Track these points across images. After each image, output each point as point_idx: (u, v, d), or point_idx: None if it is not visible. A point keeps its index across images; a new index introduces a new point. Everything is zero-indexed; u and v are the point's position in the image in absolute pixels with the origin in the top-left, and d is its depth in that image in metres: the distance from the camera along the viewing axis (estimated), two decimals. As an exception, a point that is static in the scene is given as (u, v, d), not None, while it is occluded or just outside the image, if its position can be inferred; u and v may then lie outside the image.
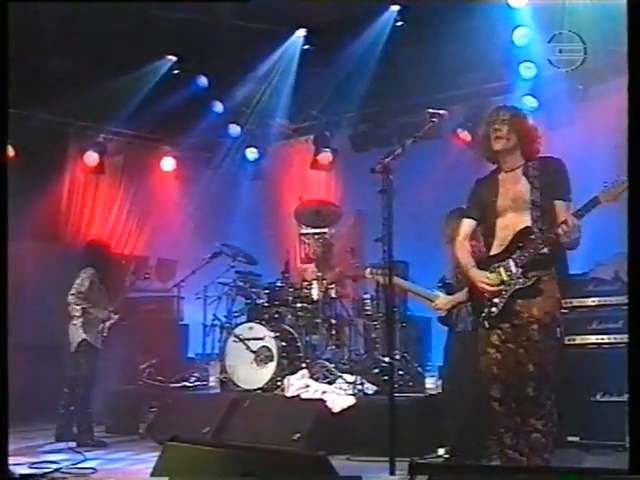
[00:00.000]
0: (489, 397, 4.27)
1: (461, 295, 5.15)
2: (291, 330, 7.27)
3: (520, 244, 4.19)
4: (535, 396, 4.12)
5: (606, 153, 6.55)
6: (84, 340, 6.76)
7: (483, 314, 4.27)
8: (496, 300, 4.22)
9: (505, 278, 4.19)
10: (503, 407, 4.24)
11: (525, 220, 4.21)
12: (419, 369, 6.90)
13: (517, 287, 4.17)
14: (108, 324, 6.95)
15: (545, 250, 4.13)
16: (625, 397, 5.09)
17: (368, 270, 6.75)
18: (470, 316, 4.67)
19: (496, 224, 4.31)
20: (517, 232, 4.20)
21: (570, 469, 3.69)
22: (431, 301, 5.67)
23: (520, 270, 4.16)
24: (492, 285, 4.20)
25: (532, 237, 4.16)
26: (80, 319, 6.81)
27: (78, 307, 6.79)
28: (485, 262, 4.32)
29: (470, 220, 4.46)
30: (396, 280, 6.42)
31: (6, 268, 3.64)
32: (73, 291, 6.83)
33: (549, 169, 4.28)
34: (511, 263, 4.19)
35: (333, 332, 7.38)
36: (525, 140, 4.36)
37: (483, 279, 4.24)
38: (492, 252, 4.31)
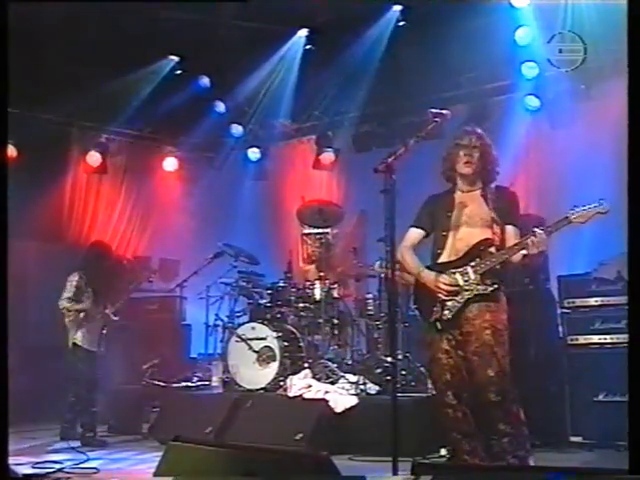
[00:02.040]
0: (444, 404, 4.36)
1: None
2: (293, 330, 7.27)
3: (480, 253, 4.32)
4: (499, 401, 4.17)
5: (608, 153, 6.55)
6: (74, 343, 6.84)
7: (435, 316, 4.34)
8: (449, 304, 4.32)
9: (461, 283, 4.30)
10: (459, 413, 4.31)
11: (480, 235, 4.37)
12: (422, 369, 6.89)
13: (476, 293, 4.28)
14: (102, 326, 6.99)
15: (505, 261, 4.30)
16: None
17: (377, 263, 6.82)
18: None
19: (448, 237, 4.45)
20: (477, 242, 4.35)
21: (570, 469, 3.70)
22: None
23: (478, 277, 4.25)
24: (448, 287, 4.27)
25: (491, 249, 4.32)
26: (69, 322, 6.90)
27: (64, 311, 6.89)
28: (437, 268, 4.44)
29: (419, 230, 4.60)
30: (405, 276, 6.48)
31: (6, 268, 3.64)
32: (62, 296, 6.93)
33: (503, 196, 4.52)
34: (469, 270, 4.31)
35: (335, 332, 7.38)
36: (489, 167, 4.54)
37: (440, 279, 4.30)
38: (443, 260, 4.43)
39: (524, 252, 4.22)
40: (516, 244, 4.27)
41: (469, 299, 4.28)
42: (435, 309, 4.35)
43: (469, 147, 4.47)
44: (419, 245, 4.60)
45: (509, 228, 4.41)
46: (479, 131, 4.61)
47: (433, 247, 4.54)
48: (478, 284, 4.28)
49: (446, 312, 4.32)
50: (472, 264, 4.30)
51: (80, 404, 6.84)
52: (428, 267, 4.47)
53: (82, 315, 6.90)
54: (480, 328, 4.24)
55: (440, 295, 4.33)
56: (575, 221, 4.17)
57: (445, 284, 4.30)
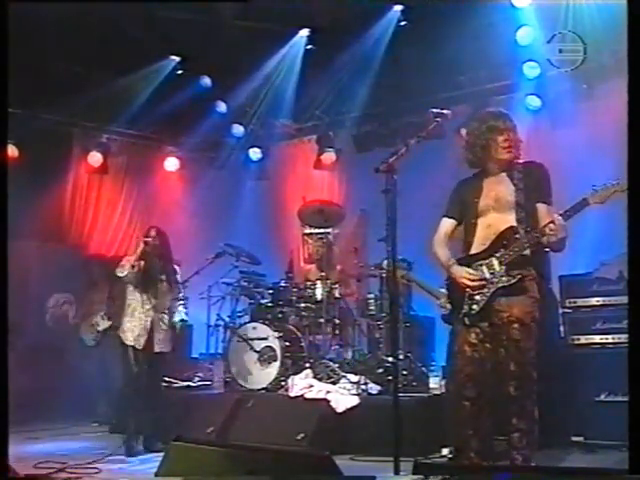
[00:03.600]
0: (462, 396, 4.32)
1: None
2: (295, 330, 7.27)
3: (504, 243, 4.23)
4: (517, 396, 4.16)
5: (610, 152, 6.54)
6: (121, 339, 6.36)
7: (463, 311, 4.31)
8: (477, 297, 4.26)
9: (487, 276, 4.25)
10: (475, 408, 4.28)
11: (509, 220, 4.28)
12: (423, 369, 6.90)
13: (500, 285, 4.21)
14: (151, 323, 6.30)
15: (529, 250, 4.21)
16: (629, 397, 5.09)
17: (385, 262, 6.84)
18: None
19: (477, 224, 4.37)
20: (501, 231, 4.26)
21: (570, 469, 3.71)
22: (438, 298, 5.71)
23: (504, 268, 4.21)
24: (474, 281, 4.23)
25: (517, 237, 4.22)
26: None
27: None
28: (466, 260, 4.36)
29: (450, 220, 4.54)
30: (410, 276, 6.52)
31: (6, 268, 3.65)
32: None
33: (532, 173, 4.38)
34: (494, 261, 4.24)
35: (337, 332, 7.38)
36: (520, 149, 4.44)
37: (465, 274, 4.27)
38: (473, 251, 4.38)
39: (545, 239, 4.10)
40: (535, 232, 4.16)
41: (495, 291, 4.21)
42: (464, 303, 4.32)
43: (506, 130, 4.35)
44: (453, 235, 4.53)
45: (541, 207, 4.28)
46: (505, 112, 4.52)
47: (464, 236, 4.46)
48: (502, 275, 4.21)
49: (474, 306, 4.26)
50: (497, 255, 4.23)
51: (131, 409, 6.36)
52: (459, 259, 4.42)
53: (129, 301, 6.34)
54: (507, 321, 4.19)
55: (468, 289, 4.29)
56: (593, 202, 4.04)
57: (470, 278, 4.26)
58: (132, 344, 6.22)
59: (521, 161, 4.45)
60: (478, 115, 4.60)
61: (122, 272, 6.29)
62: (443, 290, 5.55)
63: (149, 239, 6.39)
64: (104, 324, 8.13)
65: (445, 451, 5.41)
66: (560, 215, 4.08)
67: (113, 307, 8.02)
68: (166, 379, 7.69)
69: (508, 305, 4.20)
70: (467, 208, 4.44)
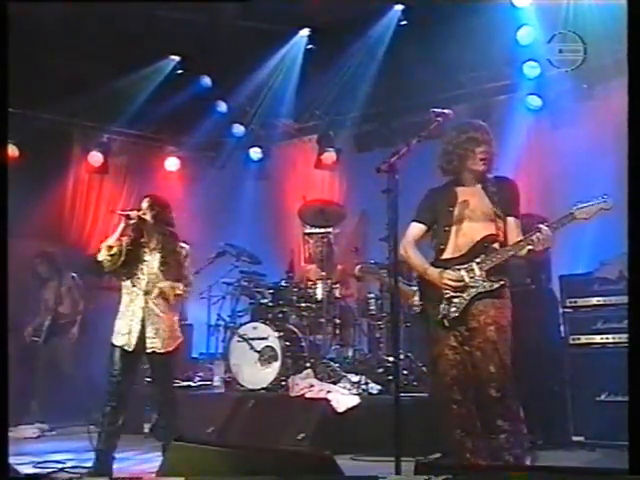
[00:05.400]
0: (449, 400, 4.37)
1: None
2: (295, 330, 7.27)
3: (485, 250, 4.30)
4: (499, 397, 4.18)
5: (610, 152, 6.55)
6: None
7: (443, 313, 4.33)
8: (456, 300, 4.31)
9: (467, 280, 4.28)
10: (463, 410, 4.31)
11: (484, 229, 4.35)
12: (423, 369, 6.89)
13: (482, 290, 4.27)
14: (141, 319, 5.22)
15: (510, 257, 4.28)
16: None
17: (358, 267, 6.83)
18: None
19: (450, 231, 4.42)
20: (482, 238, 4.33)
21: (570, 469, 3.70)
22: (408, 298, 5.73)
23: (484, 274, 4.25)
24: (456, 282, 4.26)
25: (495, 245, 4.31)
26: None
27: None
28: (442, 264, 4.42)
29: (421, 225, 4.57)
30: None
31: (6, 268, 3.64)
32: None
33: (504, 187, 4.47)
34: (474, 266, 4.29)
35: (337, 332, 7.38)
36: (494, 162, 4.51)
37: (447, 276, 4.30)
38: (447, 256, 4.41)
39: (529, 248, 4.18)
40: (521, 240, 4.24)
41: (474, 296, 4.26)
42: (442, 306, 4.34)
43: (484, 142, 4.42)
44: (421, 240, 4.57)
45: (510, 220, 4.39)
46: (483, 124, 4.58)
47: (435, 242, 4.51)
48: (484, 281, 4.26)
49: (453, 309, 4.30)
50: (477, 260, 4.28)
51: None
52: (431, 263, 4.46)
53: (122, 293, 5.34)
54: (484, 324, 4.23)
55: (447, 292, 4.32)
56: (579, 217, 4.13)
57: (451, 281, 4.29)
58: (121, 344, 5.19)
59: (492, 176, 4.52)
60: (457, 125, 4.62)
61: (100, 256, 5.23)
62: (414, 288, 5.53)
63: (135, 213, 5.40)
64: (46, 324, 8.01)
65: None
66: (547, 226, 4.15)
67: (61, 305, 7.98)
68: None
69: (484, 308, 4.27)
70: (440, 215, 4.50)
